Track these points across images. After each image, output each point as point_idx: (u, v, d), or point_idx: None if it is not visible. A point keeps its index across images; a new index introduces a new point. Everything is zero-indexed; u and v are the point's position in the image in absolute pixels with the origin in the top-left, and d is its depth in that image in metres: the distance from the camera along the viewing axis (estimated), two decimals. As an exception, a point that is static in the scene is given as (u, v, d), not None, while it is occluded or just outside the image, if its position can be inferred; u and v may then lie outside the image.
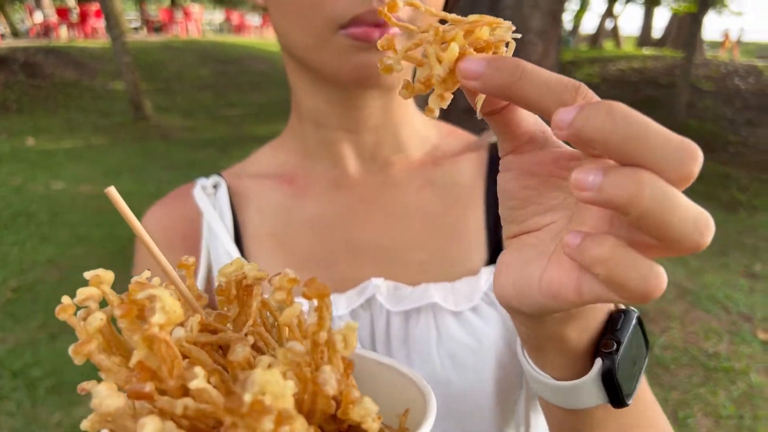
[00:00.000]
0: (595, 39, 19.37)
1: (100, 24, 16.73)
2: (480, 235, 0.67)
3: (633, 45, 19.43)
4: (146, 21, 21.08)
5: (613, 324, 0.40)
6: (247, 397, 0.22)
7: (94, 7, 16.42)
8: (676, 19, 16.93)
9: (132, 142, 8.87)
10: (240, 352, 0.27)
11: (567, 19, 17.37)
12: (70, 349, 0.27)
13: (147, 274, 0.30)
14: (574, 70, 11.47)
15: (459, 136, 0.75)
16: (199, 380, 0.24)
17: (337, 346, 0.26)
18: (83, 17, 17.48)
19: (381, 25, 0.53)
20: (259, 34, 22.55)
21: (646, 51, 14.28)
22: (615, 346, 0.39)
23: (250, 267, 0.31)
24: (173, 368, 0.25)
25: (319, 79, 0.62)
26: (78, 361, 0.27)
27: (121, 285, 0.31)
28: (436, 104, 0.30)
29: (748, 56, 17.48)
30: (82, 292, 0.28)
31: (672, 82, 9.86)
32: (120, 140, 8.96)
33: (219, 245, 0.65)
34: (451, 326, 0.61)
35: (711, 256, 4.98)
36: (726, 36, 20.68)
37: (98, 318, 0.27)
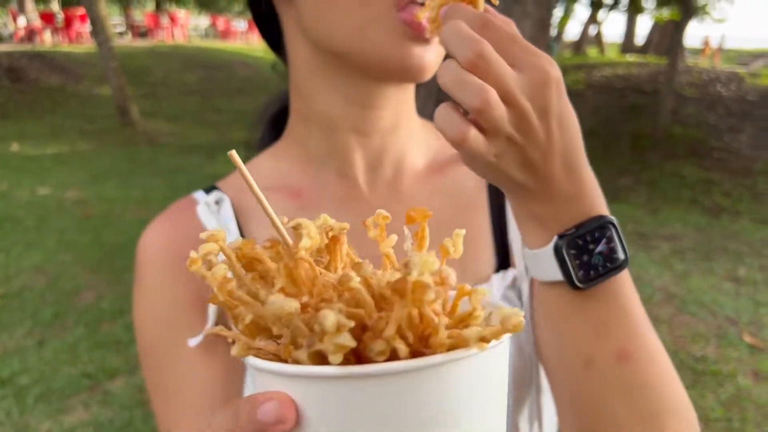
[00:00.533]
0: (579, 45, 19.58)
1: (85, 28, 16.61)
2: (488, 241, 0.68)
3: (616, 52, 19.64)
4: (131, 26, 20.97)
5: (582, 222, 0.49)
6: (414, 274, 0.27)
7: (79, 11, 16.30)
8: (658, 26, 17.16)
9: (118, 147, 8.81)
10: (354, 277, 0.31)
11: (551, 25, 17.54)
12: (216, 288, 0.31)
13: (284, 219, 0.34)
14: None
15: None
16: (354, 281, 0.29)
17: (450, 250, 0.34)
18: (68, 22, 17.35)
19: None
20: (244, 40, 22.51)
21: (630, 58, 14.45)
22: (573, 231, 0.48)
23: (333, 221, 0.35)
24: (314, 286, 0.30)
25: (342, 75, 0.60)
26: (222, 297, 0.32)
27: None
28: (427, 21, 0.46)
29: (730, 63, 17.74)
30: (203, 248, 0.32)
31: (656, 89, 9.99)
32: (106, 145, 8.90)
33: None
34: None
35: (696, 260, 5.05)
36: (706, 43, 21.00)
37: (222, 268, 0.32)
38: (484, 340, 0.30)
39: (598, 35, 19.67)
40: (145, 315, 0.64)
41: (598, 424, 0.51)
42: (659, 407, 0.51)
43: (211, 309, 0.61)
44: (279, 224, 0.33)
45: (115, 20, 21.71)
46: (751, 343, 3.64)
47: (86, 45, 16.17)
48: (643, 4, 14.17)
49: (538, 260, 0.50)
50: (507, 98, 0.43)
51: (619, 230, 0.50)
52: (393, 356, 0.29)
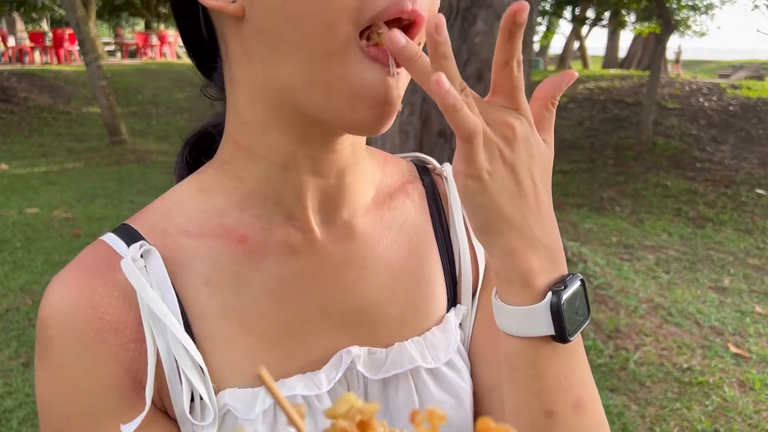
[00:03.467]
0: (562, 60, 19.78)
1: (75, 48, 16.62)
2: (440, 277, 0.67)
3: (600, 66, 19.85)
4: (121, 45, 21.01)
5: (564, 278, 0.51)
6: None
7: (69, 31, 16.31)
8: (640, 40, 17.38)
9: (107, 166, 8.79)
10: None
11: (535, 40, 17.71)
12: None
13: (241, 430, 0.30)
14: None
15: (394, 163, 0.70)
16: None
17: None
18: (57, 41, 17.35)
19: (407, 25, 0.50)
20: (234, 57, 22.49)
21: (613, 71, 14.61)
22: (563, 287, 0.49)
23: (359, 401, 0.30)
24: None
25: (301, 114, 0.53)
26: None
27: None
28: None
29: (710, 75, 17.96)
30: None
31: (638, 101, 10.11)
32: (95, 165, 8.87)
33: (168, 336, 0.53)
34: (430, 388, 0.62)
35: (681, 270, 5.09)
36: (678, 54, 21.37)
37: None
38: None
39: (581, 50, 19.89)
40: (60, 394, 0.53)
41: None
42: None
43: (148, 390, 0.52)
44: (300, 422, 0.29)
45: (105, 39, 21.75)
46: (736, 353, 3.67)
47: (76, 64, 16.18)
48: (625, 18, 14.38)
49: (528, 317, 0.50)
50: (494, 118, 0.49)
51: (585, 285, 0.53)
52: None
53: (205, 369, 0.54)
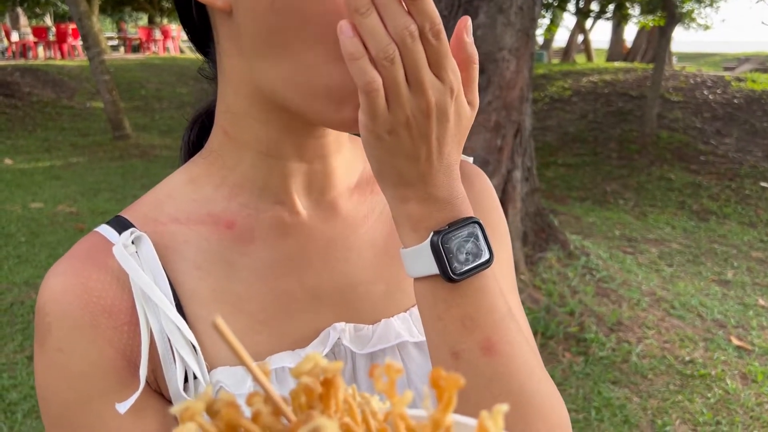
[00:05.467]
0: (566, 53, 19.70)
1: (78, 43, 16.65)
2: None
3: (604, 59, 19.75)
4: (125, 39, 21.02)
5: (453, 221, 0.53)
6: None
7: (72, 26, 16.34)
8: (644, 33, 17.28)
9: (110, 160, 8.82)
10: None
11: (539, 33, 17.64)
12: None
13: (209, 390, 0.30)
14: (546, 84, 11.64)
15: None
16: None
17: (491, 430, 0.29)
18: (60, 36, 17.38)
19: None
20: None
21: (617, 64, 14.55)
22: (446, 228, 0.52)
23: (324, 361, 0.31)
24: None
25: (284, 111, 0.56)
26: None
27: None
28: None
29: (715, 68, 17.86)
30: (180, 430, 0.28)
31: (642, 94, 10.06)
32: (98, 159, 8.90)
33: (160, 316, 0.55)
34: (417, 360, 0.63)
35: (684, 263, 5.09)
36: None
37: None
38: None
39: (586, 43, 19.80)
40: (57, 378, 0.55)
41: (465, 413, 0.54)
42: (520, 400, 0.53)
43: (142, 370, 0.54)
44: (275, 395, 0.30)
45: (108, 34, 21.76)
46: (739, 345, 3.67)
47: (79, 59, 16.21)
48: (629, 11, 14.31)
49: (415, 256, 0.53)
50: (418, 85, 0.48)
51: (485, 231, 0.54)
52: None
53: (198, 348, 0.56)
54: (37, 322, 0.56)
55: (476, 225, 0.54)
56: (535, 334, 3.61)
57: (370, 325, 0.63)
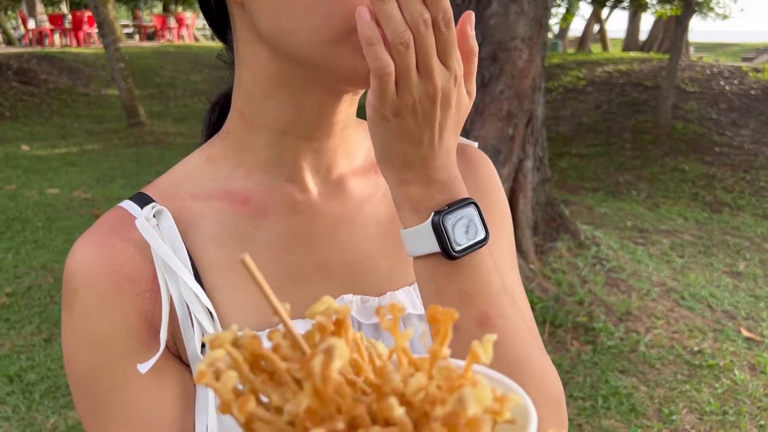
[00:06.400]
0: (582, 43, 19.51)
1: (94, 30, 16.74)
2: None
3: (620, 48, 19.54)
4: (140, 27, 21.11)
5: (452, 202, 0.56)
6: (471, 410, 0.27)
7: (88, 13, 16.43)
8: (661, 23, 17.06)
9: (125, 147, 8.90)
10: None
11: (554, 22, 17.47)
12: (235, 412, 0.29)
13: (235, 327, 0.33)
14: (561, 73, 11.55)
15: None
16: (397, 410, 0.28)
17: (480, 356, 0.32)
18: (76, 24, 17.49)
19: None
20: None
21: (633, 54, 14.40)
22: (446, 209, 0.55)
23: (336, 303, 0.34)
24: (344, 403, 0.29)
25: (300, 84, 0.60)
26: (243, 420, 0.30)
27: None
28: None
29: (733, 58, 17.61)
30: (209, 356, 0.31)
31: (658, 85, 9.96)
32: (113, 146, 8.99)
33: (180, 284, 0.59)
34: (419, 331, 0.66)
35: (696, 255, 5.07)
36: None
37: (232, 377, 0.30)
38: None
39: (601, 32, 19.60)
40: (83, 342, 0.59)
41: None
42: (513, 367, 0.56)
43: (163, 333, 0.58)
44: (293, 330, 0.33)
45: (124, 22, 21.86)
46: (748, 336, 3.66)
47: (95, 47, 16.31)
48: (646, 0, 14.14)
49: (416, 235, 0.56)
50: (427, 71, 0.51)
51: (481, 211, 0.57)
52: None
53: (215, 313, 0.60)
54: (64, 289, 0.60)
55: (473, 205, 0.57)
56: (543, 323, 3.63)
57: (376, 297, 0.67)
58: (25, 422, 2.88)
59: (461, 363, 0.33)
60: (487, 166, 0.76)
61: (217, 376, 0.30)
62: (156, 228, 0.60)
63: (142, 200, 0.63)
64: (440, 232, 0.54)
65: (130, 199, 0.64)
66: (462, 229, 0.56)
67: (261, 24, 0.57)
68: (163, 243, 0.60)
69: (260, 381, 0.31)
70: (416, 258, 0.58)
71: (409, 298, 0.67)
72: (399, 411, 0.28)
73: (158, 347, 0.58)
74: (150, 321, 0.59)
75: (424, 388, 0.30)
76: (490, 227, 0.60)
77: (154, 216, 0.61)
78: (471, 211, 0.56)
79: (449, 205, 0.55)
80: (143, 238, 0.59)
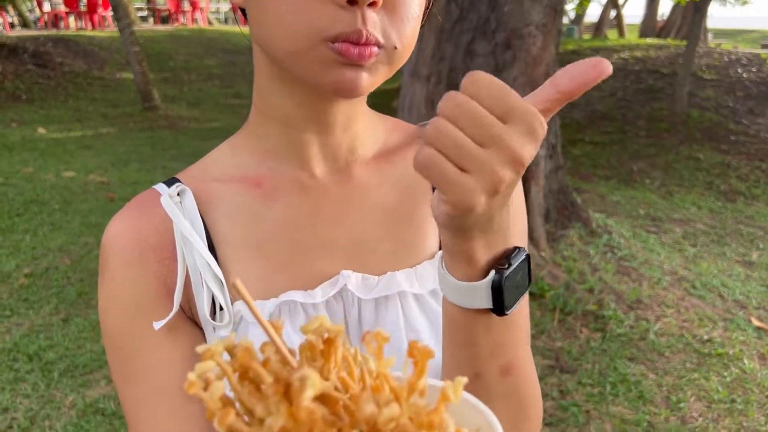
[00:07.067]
0: (598, 28, 19.27)
1: (108, 13, 16.78)
2: (432, 221, 0.73)
3: (636, 35, 19.27)
4: (154, 10, 21.12)
5: (508, 254, 0.54)
6: None
7: (102, -4, 16.47)
8: (680, 9, 16.80)
9: (140, 131, 8.97)
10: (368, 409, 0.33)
11: (570, 8, 17.25)
12: (216, 423, 0.32)
13: (233, 336, 0.36)
14: (576, 60, 11.39)
15: (402, 128, 0.79)
16: None
17: (450, 396, 0.34)
18: (91, 7, 17.53)
19: (363, 44, 0.56)
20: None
21: (649, 40, 14.21)
22: (507, 266, 0.52)
23: (330, 323, 0.36)
24: (313, 429, 0.32)
25: (293, 83, 0.64)
26: (224, 430, 0.32)
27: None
28: None
29: (753, 45, 17.32)
30: (199, 368, 0.33)
31: (674, 72, 9.83)
32: (128, 130, 9.06)
33: (195, 253, 0.66)
34: (414, 310, 0.69)
35: (708, 244, 5.04)
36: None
37: (219, 388, 0.32)
38: None
39: (618, 18, 19.33)
40: (111, 304, 0.67)
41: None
42: (526, 407, 0.60)
43: (177, 295, 0.65)
44: (283, 348, 0.36)
45: (138, 5, 21.87)
46: (759, 326, 3.66)
47: (109, 30, 16.37)
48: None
49: (469, 292, 0.53)
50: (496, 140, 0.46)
51: (530, 259, 0.56)
52: None
53: (225, 282, 0.67)
54: (99, 258, 0.68)
55: (526, 257, 0.55)
56: (553, 310, 3.65)
57: (377, 276, 0.70)
58: (45, 399, 2.95)
59: (438, 383, 0.36)
60: None
61: (206, 386, 0.33)
62: (178, 205, 0.68)
63: (171, 182, 0.71)
64: (500, 293, 0.52)
65: (163, 182, 0.71)
66: (516, 285, 0.53)
67: (252, 27, 0.63)
68: (184, 218, 0.67)
69: (247, 392, 0.34)
70: (456, 306, 0.55)
71: (408, 279, 0.70)
72: None
73: (173, 309, 0.65)
74: (169, 286, 0.66)
75: (396, 418, 0.32)
76: None
77: (178, 195, 0.68)
78: (525, 264, 0.54)
79: (508, 261, 0.52)
80: (167, 213, 0.67)
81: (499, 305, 0.52)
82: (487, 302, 0.53)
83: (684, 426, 2.82)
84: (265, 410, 0.33)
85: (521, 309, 0.57)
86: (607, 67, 0.47)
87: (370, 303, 0.69)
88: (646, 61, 11.08)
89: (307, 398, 0.31)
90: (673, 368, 3.24)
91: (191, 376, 0.32)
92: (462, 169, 0.45)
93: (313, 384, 0.32)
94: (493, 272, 0.52)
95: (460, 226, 0.49)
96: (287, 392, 0.32)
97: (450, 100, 0.45)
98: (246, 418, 0.34)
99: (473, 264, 0.52)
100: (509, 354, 0.57)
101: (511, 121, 0.45)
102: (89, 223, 5.14)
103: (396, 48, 0.59)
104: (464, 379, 0.35)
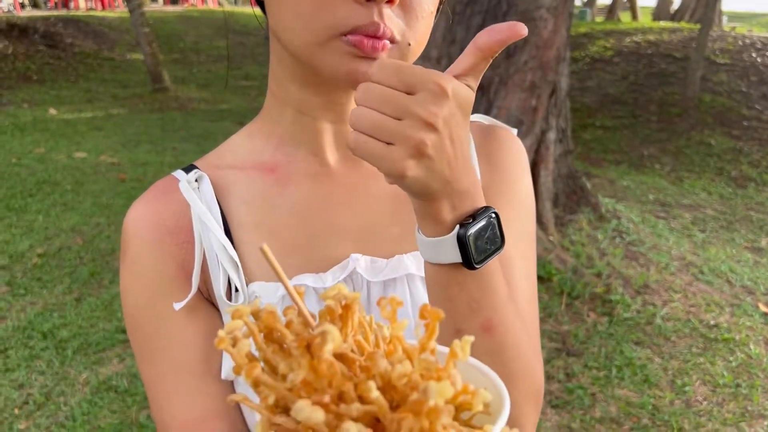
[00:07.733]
0: (611, 11, 19.04)
1: (117, -6, 16.75)
2: None
3: (650, 17, 19.02)
4: (163, -9, 21.05)
5: (476, 213, 0.57)
6: (432, 401, 0.32)
7: (111, -24, 16.42)
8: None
9: (150, 112, 8.99)
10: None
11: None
12: (243, 373, 0.35)
13: (257, 301, 0.39)
14: (588, 43, 11.31)
15: None
16: (374, 392, 0.33)
17: (458, 354, 0.37)
18: (100, -13, 17.51)
19: (378, 36, 0.58)
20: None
21: (663, 24, 14.03)
22: (471, 220, 0.56)
23: (347, 290, 0.39)
24: (334, 379, 0.34)
25: (310, 73, 0.66)
26: (250, 382, 0.35)
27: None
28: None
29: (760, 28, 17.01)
30: (228, 326, 0.36)
31: (687, 56, 9.72)
32: (138, 111, 9.09)
33: (211, 237, 0.69)
34: (421, 292, 0.71)
35: (717, 229, 5.03)
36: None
37: (246, 344, 0.35)
38: None
39: (631, 1, 19.07)
40: (132, 284, 0.70)
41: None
42: (511, 369, 0.61)
43: (195, 276, 0.67)
44: (305, 310, 0.38)
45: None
46: (766, 312, 3.66)
47: (119, 10, 16.34)
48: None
49: (438, 246, 0.57)
50: (428, 122, 0.50)
51: (500, 219, 0.58)
52: None
53: (240, 264, 0.69)
54: (121, 240, 0.71)
55: (494, 215, 0.58)
56: (561, 294, 3.67)
57: (385, 259, 0.72)
58: (59, 376, 3.01)
59: (445, 350, 0.38)
60: (512, 149, 0.78)
61: (234, 342, 0.35)
62: (196, 190, 0.70)
63: (189, 169, 0.73)
64: (465, 245, 0.55)
65: (182, 169, 0.74)
66: (483, 241, 0.57)
67: (270, 20, 0.65)
68: (201, 203, 0.69)
69: (271, 351, 0.37)
70: (431, 263, 0.59)
71: (416, 262, 0.72)
72: (375, 393, 0.33)
73: (192, 290, 0.67)
74: (186, 268, 0.69)
75: (408, 375, 0.35)
76: (507, 211, 0.63)
77: (195, 180, 0.71)
78: (492, 220, 0.57)
79: (473, 217, 0.56)
80: (185, 198, 0.69)
81: (467, 258, 0.56)
82: (455, 256, 0.56)
83: (688, 409, 2.85)
84: (288, 367, 0.35)
85: (495, 271, 0.60)
86: (521, 29, 0.51)
87: (378, 285, 0.71)
88: (658, 44, 10.95)
89: (328, 351, 0.34)
90: (679, 352, 3.26)
91: (221, 333, 0.35)
92: (388, 144, 0.50)
93: (334, 338, 0.34)
94: (458, 227, 0.56)
95: (417, 191, 0.54)
96: (309, 348, 0.35)
97: (361, 88, 0.51)
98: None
99: (440, 223, 0.56)
100: (487, 312, 0.59)
101: (415, 90, 0.50)
102: (101, 204, 5.18)
103: (410, 45, 0.61)
104: (471, 338, 0.37)
